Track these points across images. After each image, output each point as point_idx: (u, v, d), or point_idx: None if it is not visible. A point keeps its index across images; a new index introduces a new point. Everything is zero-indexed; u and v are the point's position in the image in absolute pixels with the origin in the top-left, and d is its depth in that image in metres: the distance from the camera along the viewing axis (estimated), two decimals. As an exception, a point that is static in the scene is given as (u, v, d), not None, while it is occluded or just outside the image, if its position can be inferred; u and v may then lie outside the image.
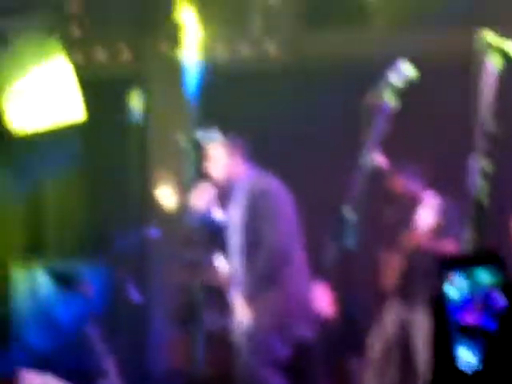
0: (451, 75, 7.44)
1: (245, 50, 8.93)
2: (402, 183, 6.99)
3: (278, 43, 8.83)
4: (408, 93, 5.66)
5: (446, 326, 1.60)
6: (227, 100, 8.38)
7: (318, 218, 6.36)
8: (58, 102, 7.18)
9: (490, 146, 5.20)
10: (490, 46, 5.35)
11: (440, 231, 6.78)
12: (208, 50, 8.94)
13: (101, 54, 9.02)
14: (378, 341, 6.69)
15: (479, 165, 5.21)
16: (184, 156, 6.37)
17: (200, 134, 6.38)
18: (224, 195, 6.24)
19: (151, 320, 8.18)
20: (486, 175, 5.21)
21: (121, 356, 6.23)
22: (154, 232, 6.86)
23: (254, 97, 8.38)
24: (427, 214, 6.88)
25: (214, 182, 6.26)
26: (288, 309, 5.94)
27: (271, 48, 8.86)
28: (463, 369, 1.60)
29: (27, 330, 6.61)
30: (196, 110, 8.79)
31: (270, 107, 8.38)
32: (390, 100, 5.57)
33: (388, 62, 5.83)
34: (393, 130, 5.61)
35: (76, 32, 8.96)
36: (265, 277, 5.91)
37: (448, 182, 6.34)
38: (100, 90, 8.41)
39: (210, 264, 6.48)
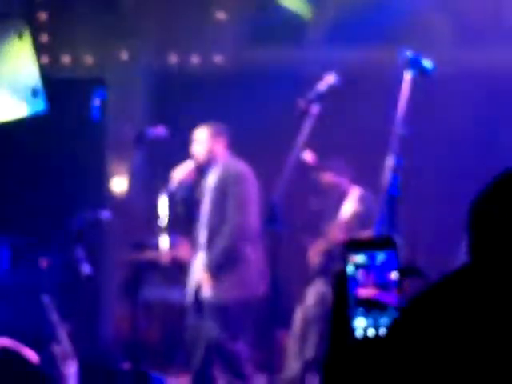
0: (374, 85, 7.49)
1: (194, 59, 8.91)
2: (329, 177, 7.00)
3: (223, 54, 8.82)
4: (336, 99, 5.70)
5: (345, 300, 1.62)
6: (176, 102, 8.38)
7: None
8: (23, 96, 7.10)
9: (401, 146, 5.26)
10: (407, 60, 5.41)
11: (362, 221, 6.81)
12: (162, 58, 8.95)
13: (66, 58, 8.94)
14: (300, 313, 6.67)
15: (392, 162, 5.26)
16: (135, 148, 6.33)
17: (149, 130, 6.34)
18: (202, 173, 6.21)
19: (101, 292, 8.13)
20: (397, 171, 5.26)
21: (73, 324, 6.17)
22: (106, 214, 6.81)
23: (201, 101, 8.37)
24: (350, 206, 6.91)
25: (196, 160, 6.21)
26: (251, 284, 5.91)
27: (218, 58, 8.85)
28: (359, 338, 1.62)
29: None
30: (148, 110, 8.81)
31: (215, 110, 8.38)
32: (317, 104, 5.61)
33: (319, 72, 5.87)
34: (322, 130, 5.64)
35: (44, 38, 8.87)
36: (228, 254, 5.87)
37: (369, 177, 6.37)
38: (64, 90, 8.34)
39: (155, 244, 6.44)
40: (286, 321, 6.57)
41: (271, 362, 5.59)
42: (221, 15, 8.84)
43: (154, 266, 6.64)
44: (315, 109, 5.63)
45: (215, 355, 5.84)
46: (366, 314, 1.60)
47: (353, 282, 1.61)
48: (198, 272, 5.98)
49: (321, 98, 5.64)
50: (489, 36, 8.20)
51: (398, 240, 1.70)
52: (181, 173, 6.18)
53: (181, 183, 6.18)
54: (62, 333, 6.01)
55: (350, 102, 7.50)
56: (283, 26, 8.71)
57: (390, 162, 5.32)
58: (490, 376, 1.16)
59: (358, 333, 1.60)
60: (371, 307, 1.59)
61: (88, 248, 6.43)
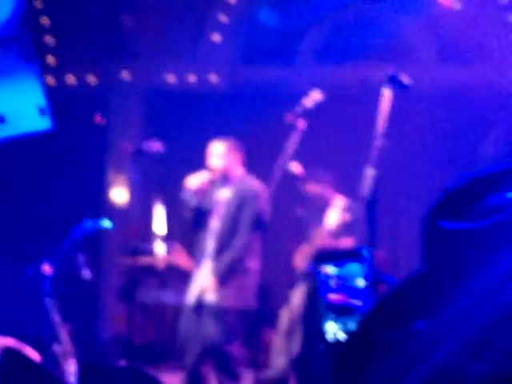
0: (357, 100, 7.52)
1: (191, 79, 8.94)
2: (313, 187, 6.99)
3: (218, 74, 8.85)
4: (321, 114, 5.71)
5: (317, 307, 1.66)
6: (174, 119, 8.40)
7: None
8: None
9: (380, 157, 5.26)
10: (387, 77, 5.42)
11: (345, 228, 6.81)
12: (161, 77, 8.98)
13: (70, 78, 8.97)
14: (286, 314, 6.65)
15: (372, 172, 5.26)
16: (133, 161, 6.32)
17: (145, 144, 6.32)
18: (216, 185, 6.14)
19: (100, 295, 8.12)
20: (377, 181, 5.27)
21: (73, 325, 6.16)
22: (105, 223, 6.81)
23: (197, 117, 8.40)
24: (334, 214, 6.91)
25: (212, 172, 6.15)
26: (252, 293, 5.90)
27: (212, 77, 8.88)
28: (329, 340, 1.67)
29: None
30: (147, 126, 8.84)
31: (210, 125, 8.41)
32: (303, 119, 5.62)
33: (306, 89, 5.89)
34: (308, 143, 5.65)
35: (50, 59, 8.91)
36: (237, 263, 5.87)
37: (351, 187, 6.38)
38: (69, 108, 8.37)
39: (151, 250, 6.43)
40: (272, 320, 6.57)
41: (258, 359, 5.58)
42: (216, 37, 8.88)
43: (149, 270, 6.65)
44: (301, 123, 5.63)
45: (209, 356, 5.82)
46: (336, 319, 1.64)
47: (324, 289, 1.66)
48: (205, 278, 5.96)
49: (306, 112, 5.65)
50: (467, 55, 8.23)
51: (365, 252, 1.73)
52: (195, 182, 6.10)
53: (194, 192, 6.11)
54: (63, 333, 6.00)
55: (333, 117, 7.52)
56: (272, 47, 8.75)
57: (369, 172, 5.32)
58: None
59: (329, 336, 1.64)
60: (341, 313, 1.64)
61: (88, 254, 6.44)
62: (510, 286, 1.13)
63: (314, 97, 5.66)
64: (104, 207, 8.40)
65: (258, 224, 5.74)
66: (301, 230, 7.04)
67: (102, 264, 8.04)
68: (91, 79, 8.97)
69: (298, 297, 6.64)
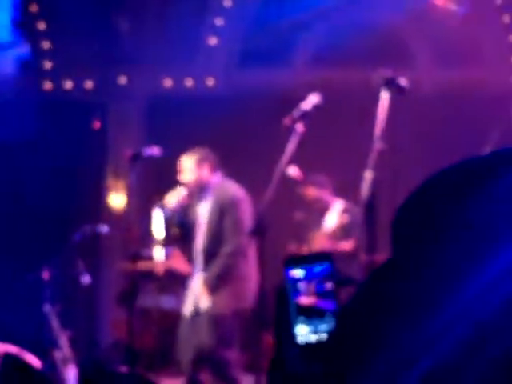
0: (355, 104, 7.51)
1: (188, 83, 8.94)
2: (312, 191, 6.99)
3: (215, 77, 8.85)
4: (319, 117, 5.70)
5: (287, 311, 1.69)
6: (172, 122, 8.39)
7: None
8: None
9: (378, 160, 5.24)
10: (384, 80, 5.40)
11: (344, 231, 6.80)
12: (158, 81, 8.98)
13: (68, 84, 8.96)
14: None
15: (371, 175, 5.25)
16: (132, 166, 6.30)
17: (144, 150, 6.30)
18: (194, 198, 6.11)
19: (99, 300, 8.10)
20: (375, 185, 5.25)
21: (73, 330, 6.14)
22: (104, 228, 6.80)
23: (193, 119, 8.39)
24: (333, 217, 6.91)
25: (186, 187, 6.14)
26: (247, 298, 5.86)
27: (209, 81, 8.88)
28: (300, 343, 1.69)
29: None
30: (145, 130, 8.83)
31: (207, 129, 8.40)
32: (301, 123, 5.60)
33: (303, 92, 5.87)
34: (306, 146, 5.64)
35: (47, 65, 8.89)
36: (227, 271, 5.84)
37: (350, 190, 6.37)
38: (66, 112, 8.37)
39: (150, 255, 6.41)
40: (272, 325, 6.54)
41: (258, 363, 5.56)
42: (212, 40, 8.88)
43: (149, 275, 6.63)
44: (300, 127, 5.60)
45: (206, 361, 5.80)
46: (306, 322, 1.68)
47: (293, 293, 1.69)
48: (197, 288, 5.95)
49: (305, 116, 5.62)
50: (465, 57, 8.23)
51: (333, 255, 1.77)
52: (174, 199, 6.10)
53: (174, 208, 6.10)
54: (63, 339, 5.99)
55: (334, 120, 7.51)
56: (269, 49, 8.75)
57: (368, 175, 5.31)
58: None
59: (300, 339, 1.67)
60: (311, 315, 1.67)
61: (87, 259, 6.42)
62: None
63: (312, 100, 5.63)
64: (102, 212, 8.39)
65: (254, 229, 5.69)
66: (300, 234, 7.04)
67: (100, 269, 8.03)
68: (88, 84, 8.95)
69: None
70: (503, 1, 8.55)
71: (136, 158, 6.24)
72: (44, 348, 5.83)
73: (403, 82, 5.41)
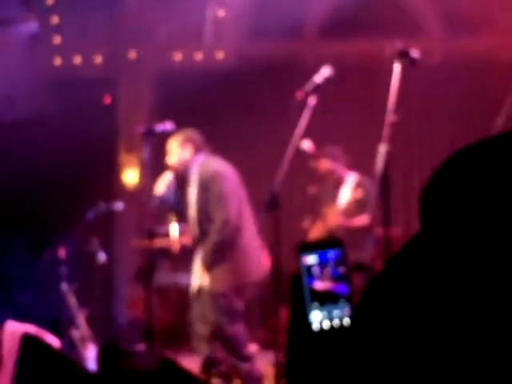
0: (367, 76, 7.45)
1: (198, 55, 8.88)
2: (326, 164, 6.93)
3: (224, 50, 8.78)
4: (332, 90, 5.65)
5: (302, 297, 1.68)
6: (182, 95, 8.34)
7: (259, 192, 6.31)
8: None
9: (392, 133, 5.20)
10: (397, 52, 5.34)
11: (359, 205, 6.76)
12: (168, 55, 8.92)
13: (77, 58, 8.92)
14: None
15: (385, 149, 5.21)
16: (145, 142, 6.26)
17: (157, 125, 6.26)
18: (182, 179, 6.08)
19: (115, 278, 8.12)
20: (390, 157, 5.21)
21: (89, 308, 6.16)
22: (118, 205, 6.79)
23: (203, 93, 8.35)
24: (347, 191, 6.87)
25: (172, 169, 6.13)
26: (246, 272, 5.82)
27: (219, 54, 8.81)
28: (316, 330, 1.70)
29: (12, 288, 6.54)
30: (156, 105, 8.79)
31: (217, 101, 8.37)
32: (314, 96, 5.55)
33: (315, 65, 5.82)
34: (319, 119, 5.60)
35: (57, 40, 8.84)
36: (219, 248, 5.81)
37: (364, 164, 6.32)
38: (76, 88, 8.33)
39: (165, 232, 6.40)
40: (288, 300, 6.54)
41: (276, 340, 5.57)
42: (221, 13, 8.80)
43: (165, 252, 6.63)
44: (312, 100, 5.56)
45: (217, 339, 5.78)
46: (320, 308, 1.69)
47: (308, 279, 1.70)
48: (198, 267, 5.94)
49: (317, 89, 5.57)
50: (477, 25, 8.13)
51: (343, 241, 1.78)
52: (162, 185, 6.08)
53: (164, 195, 6.08)
54: (81, 317, 6.00)
55: (347, 93, 7.46)
56: (280, 21, 8.66)
57: (382, 148, 5.26)
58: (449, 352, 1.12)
59: (315, 326, 1.69)
60: (325, 301, 1.69)
61: (102, 237, 6.42)
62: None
63: (325, 73, 5.57)
64: (116, 189, 8.37)
65: (268, 204, 5.63)
66: (314, 208, 7.01)
67: (116, 247, 8.03)
68: (98, 59, 8.90)
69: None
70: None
71: (149, 134, 6.21)
72: (62, 327, 5.85)
73: (415, 53, 5.34)
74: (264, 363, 5.89)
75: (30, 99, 8.17)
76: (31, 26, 8.60)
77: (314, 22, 8.83)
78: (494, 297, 1.09)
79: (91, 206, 6.51)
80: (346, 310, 1.68)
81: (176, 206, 6.14)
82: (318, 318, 1.67)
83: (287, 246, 5.99)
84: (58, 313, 6.04)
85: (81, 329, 5.92)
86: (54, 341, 5.21)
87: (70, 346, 5.75)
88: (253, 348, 6.05)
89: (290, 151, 5.50)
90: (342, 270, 1.70)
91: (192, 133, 6.13)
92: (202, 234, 5.85)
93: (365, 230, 6.67)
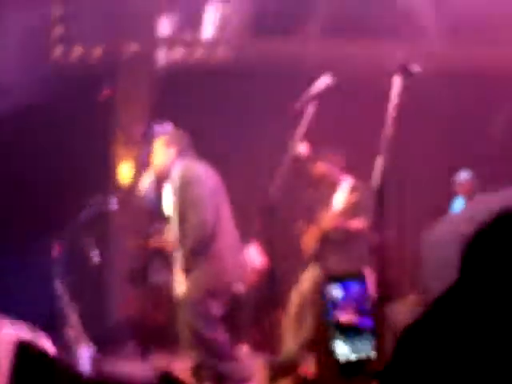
0: (367, 85, 7.44)
1: (198, 53, 8.88)
2: (321, 167, 6.95)
3: (226, 48, 8.77)
4: (332, 98, 5.65)
5: (327, 326, 1.70)
6: (182, 93, 8.34)
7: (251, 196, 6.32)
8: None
9: (389, 144, 5.20)
10: (397, 66, 5.34)
11: (354, 210, 6.77)
12: (168, 51, 8.90)
13: (77, 50, 8.90)
14: (295, 297, 6.62)
15: (381, 160, 5.22)
16: (141, 142, 6.28)
17: (156, 126, 6.26)
18: (163, 180, 6.08)
19: (108, 277, 8.13)
20: (385, 168, 5.23)
21: (83, 308, 6.18)
22: (113, 204, 6.79)
23: (204, 91, 8.35)
24: (342, 195, 6.89)
25: (155, 169, 6.11)
26: (221, 276, 5.80)
27: (220, 51, 8.81)
28: (341, 361, 1.70)
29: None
30: (155, 100, 8.77)
31: (217, 100, 8.37)
32: (313, 103, 5.55)
33: (315, 66, 5.81)
34: (317, 125, 5.61)
35: (58, 31, 8.82)
36: (194, 253, 5.80)
37: (360, 169, 6.34)
38: (75, 81, 8.31)
39: (158, 231, 6.42)
40: (281, 304, 6.58)
41: (268, 343, 5.58)
42: (223, 9, 8.78)
43: (160, 252, 6.64)
44: (311, 108, 5.56)
45: (197, 343, 5.75)
46: (345, 340, 1.70)
47: (332, 311, 1.71)
48: (177, 269, 5.94)
49: (316, 97, 5.57)
50: (478, 34, 8.14)
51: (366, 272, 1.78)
52: (144, 186, 6.07)
53: (147, 194, 6.08)
54: (74, 317, 6.02)
55: (346, 102, 7.46)
56: (283, 21, 8.65)
57: (379, 160, 5.27)
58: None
59: (341, 358, 1.70)
60: (350, 333, 1.70)
61: (96, 236, 6.43)
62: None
63: (325, 81, 5.58)
64: (111, 187, 8.37)
65: (265, 208, 5.62)
66: (309, 213, 7.02)
67: (110, 245, 8.03)
68: (98, 52, 8.88)
69: (307, 280, 6.61)
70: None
71: (147, 134, 6.22)
72: (56, 326, 5.86)
73: (415, 68, 5.34)
74: (256, 365, 5.90)
75: (24, 91, 8.14)
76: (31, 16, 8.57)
77: (317, 22, 8.82)
78: None
79: (86, 203, 6.51)
80: (371, 342, 1.67)
81: (157, 206, 6.12)
82: (343, 351, 1.67)
83: (282, 249, 6.02)
84: (51, 312, 6.05)
85: (75, 329, 5.94)
86: (47, 344, 5.24)
87: (64, 345, 5.77)
88: (243, 349, 6.08)
89: (287, 158, 5.51)
90: (367, 303, 1.70)
91: (178, 135, 6.09)
92: (181, 237, 5.83)
93: (359, 234, 6.65)
